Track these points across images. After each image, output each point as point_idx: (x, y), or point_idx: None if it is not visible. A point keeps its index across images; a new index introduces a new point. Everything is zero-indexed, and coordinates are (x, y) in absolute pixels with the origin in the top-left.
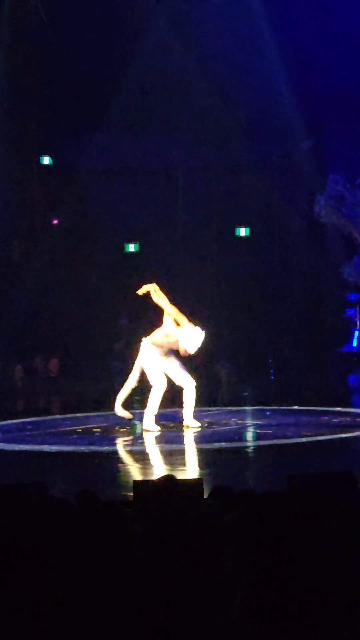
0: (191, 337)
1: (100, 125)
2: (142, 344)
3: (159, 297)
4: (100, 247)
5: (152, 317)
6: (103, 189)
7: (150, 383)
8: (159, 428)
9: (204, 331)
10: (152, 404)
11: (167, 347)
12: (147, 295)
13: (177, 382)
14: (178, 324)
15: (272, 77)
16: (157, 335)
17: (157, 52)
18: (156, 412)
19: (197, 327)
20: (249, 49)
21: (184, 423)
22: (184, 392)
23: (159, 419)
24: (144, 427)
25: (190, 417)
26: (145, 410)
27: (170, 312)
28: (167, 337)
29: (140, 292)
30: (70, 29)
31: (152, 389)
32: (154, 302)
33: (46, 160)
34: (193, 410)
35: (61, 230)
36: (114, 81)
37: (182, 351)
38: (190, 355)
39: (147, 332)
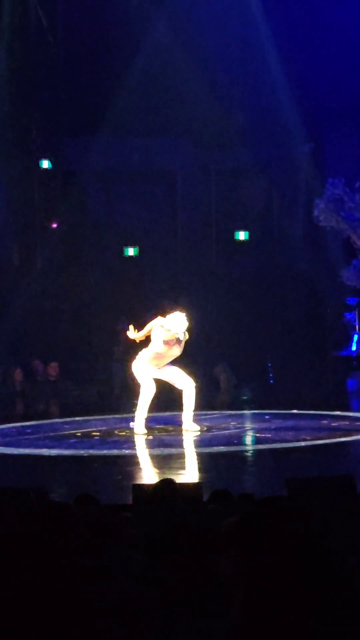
0: (175, 321)
1: (99, 129)
2: (134, 365)
3: (141, 331)
4: (100, 251)
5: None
6: (102, 192)
7: (140, 387)
8: (146, 431)
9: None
10: (141, 407)
11: (162, 362)
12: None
13: (177, 386)
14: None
15: (271, 80)
16: (149, 354)
17: (157, 55)
18: (146, 416)
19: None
20: (249, 52)
21: (184, 427)
22: (183, 394)
23: (159, 422)
24: (134, 430)
25: (190, 421)
26: (135, 414)
27: (152, 325)
28: (158, 356)
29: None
30: (70, 32)
31: (140, 392)
32: (148, 335)
33: (45, 163)
34: (193, 413)
35: (61, 233)
36: (114, 84)
37: (173, 337)
38: (183, 338)
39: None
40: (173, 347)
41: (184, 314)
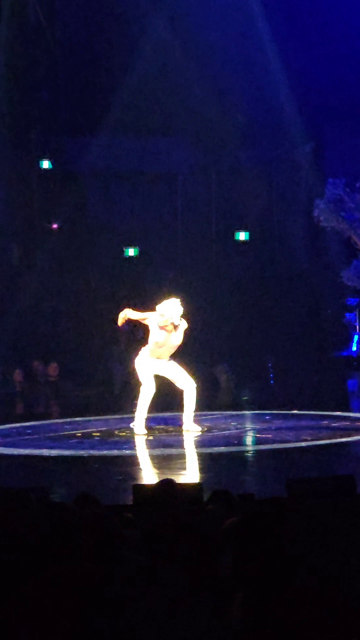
0: (168, 306)
1: (99, 129)
2: (136, 361)
3: (135, 315)
4: (100, 251)
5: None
6: (102, 192)
7: (140, 385)
8: (146, 432)
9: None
10: (141, 407)
11: (164, 352)
12: (130, 320)
13: (178, 385)
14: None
15: (272, 81)
16: (149, 346)
17: (156, 55)
18: (146, 416)
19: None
20: (249, 52)
21: (184, 427)
22: (184, 395)
23: (160, 422)
24: (134, 431)
25: (191, 421)
26: (135, 414)
27: (148, 316)
28: (158, 345)
29: (120, 322)
30: (70, 32)
31: (140, 392)
32: (136, 322)
33: (46, 164)
34: (194, 413)
35: (61, 234)
36: (113, 84)
37: (170, 325)
38: (178, 323)
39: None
40: (171, 334)
41: (178, 299)
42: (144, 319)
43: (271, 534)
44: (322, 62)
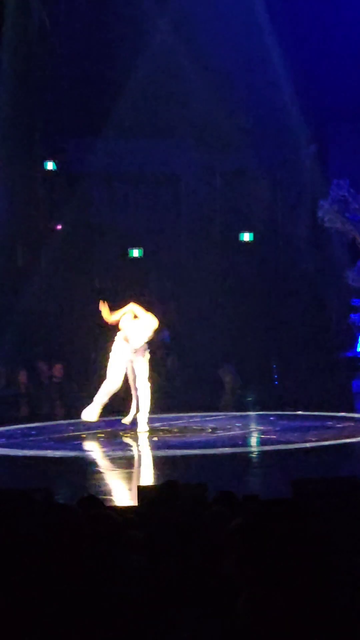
0: (139, 330)
1: (104, 131)
2: (113, 347)
3: (115, 315)
4: (104, 252)
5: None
6: (107, 194)
7: (108, 375)
8: (96, 418)
9: (157, 324)
10: (100, 395)
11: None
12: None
13: (134, 380)
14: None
15: (275, 82)
16: (123, 334)
17: (160, 58)
18: (103, 403)
19: (150, 319)
20: (253, 53)
21: (138, 429)
22: (137, 393)
23: (162, 423)
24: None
25: (144, 423)
26: (94, 401)
27: (125, 313)
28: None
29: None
30: (74, 34)
31: (105, 382)
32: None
33: (50, 165)
34: (147, 415)
35: (65, 235)
36: (118, 86)
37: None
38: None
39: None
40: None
41: (154, 323)
42: (122, 315)
43: (276, 535)
44: (326, 63)
